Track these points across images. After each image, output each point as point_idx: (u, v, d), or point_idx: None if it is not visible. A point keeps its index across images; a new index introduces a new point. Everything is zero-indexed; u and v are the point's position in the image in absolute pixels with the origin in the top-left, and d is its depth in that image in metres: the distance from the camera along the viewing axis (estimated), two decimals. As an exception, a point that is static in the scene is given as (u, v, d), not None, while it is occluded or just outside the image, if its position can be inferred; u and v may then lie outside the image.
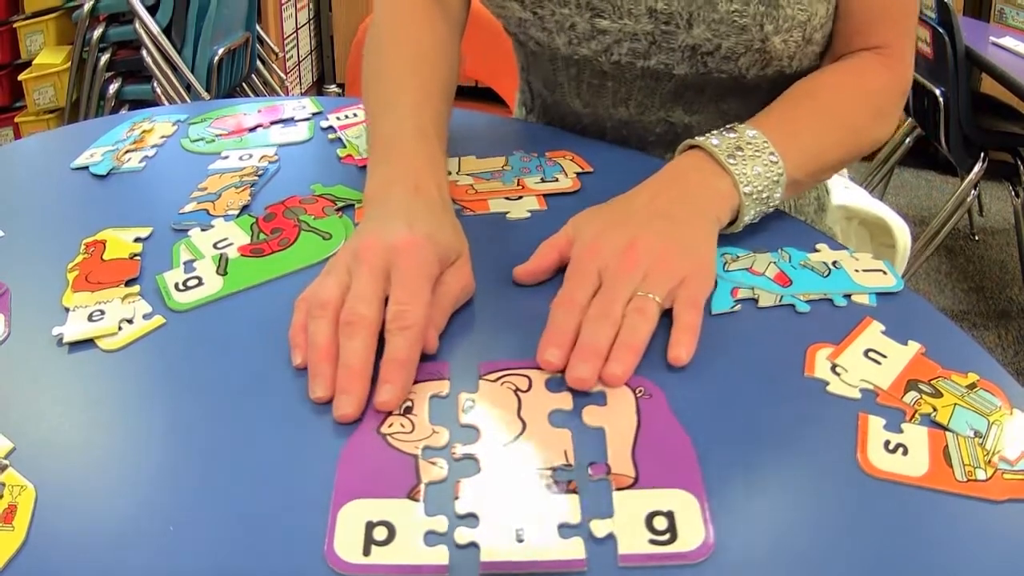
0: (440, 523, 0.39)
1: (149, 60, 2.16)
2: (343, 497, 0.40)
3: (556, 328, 0.50)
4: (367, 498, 0.40)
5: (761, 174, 0.59)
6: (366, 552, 0.38)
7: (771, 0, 0.65)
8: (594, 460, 0.42)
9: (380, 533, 0.38)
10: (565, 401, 0.46)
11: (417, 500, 0.40)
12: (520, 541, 0.38)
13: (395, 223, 0.53)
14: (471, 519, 0.39)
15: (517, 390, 0.47)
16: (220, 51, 2.26)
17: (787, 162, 0.60)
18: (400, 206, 0.55)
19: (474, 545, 0.38)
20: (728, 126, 0.62)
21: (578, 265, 0.54)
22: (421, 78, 0.67)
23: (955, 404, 0.46)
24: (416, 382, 0.47)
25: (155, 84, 2.19)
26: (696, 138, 0.61)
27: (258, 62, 2.60)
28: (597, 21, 0.70)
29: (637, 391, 0.47)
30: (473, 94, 2.04)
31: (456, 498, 0.40)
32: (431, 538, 0.38)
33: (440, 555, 0.38)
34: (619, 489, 0.41)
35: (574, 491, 0.41)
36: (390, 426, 0.44)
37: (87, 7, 2.14)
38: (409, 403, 0.46)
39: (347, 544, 0.38)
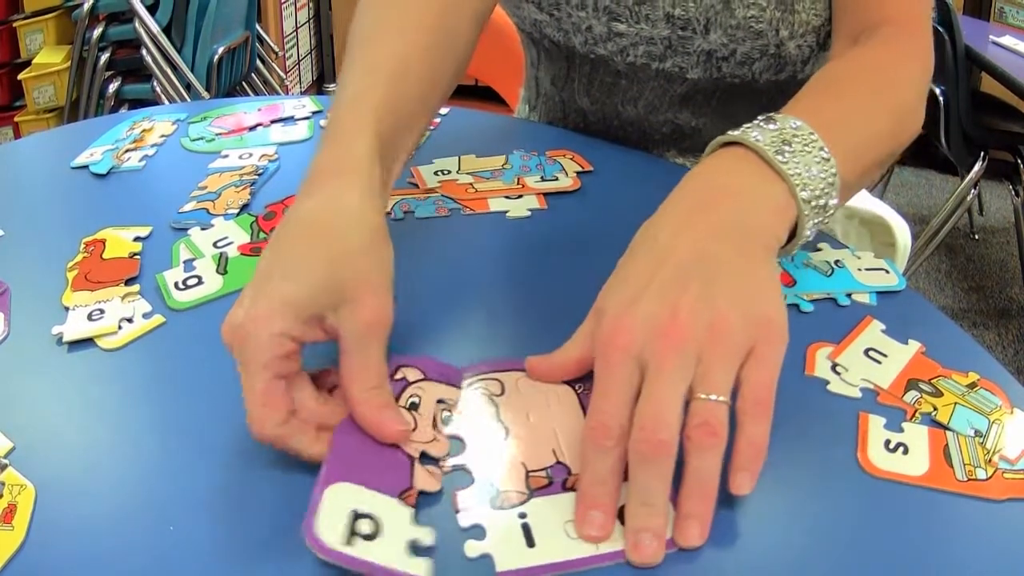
0: (427, 534, 0.38)
1: (149, 59, 2.16)
2: (334, 476, 0.39)
3: (591, 476, 0.39)
4: (358, 484, 0.39)
5: (816, 175, 0.47)
6: (348, 541, 0.36)
7: (786, 5, 0.65)
8: (550, 465, 0.42)
9: (366, 526, 0.37)
10: (541, 400, 0.45)
11: (409, 505, 0.39)
12: (531, 546, 0.38)
13: (253, 286, 0.42)
14: (477, 531, 0.39)
15: (492, 395, 0.46)
16: (220, 50, 2.26)
17: (837, 158, 0.48)
18: (284, 243, 0.44)
19: (487, 557, 0.37)
20: (764, 116, 0.49)
21: (604, 359, 0.40)
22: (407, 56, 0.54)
23: (955, 403, 0.46)
24: (427, 380, 0.47)
25: (155, 83, 2.19)
26: (730, 132, 0.49)
27: (258, 61, 2.60)
28: (614, 25, 0.70)
29: (577, 387, 0.46)
30: (473, 93, 2.03)
31: (457, 511, 0.40)
32: (416, 547, 0.37)
33: (420, 566, 0.36)
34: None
35: (572, 488, 0.40)
36: None
37: (87, 6, 2.14)
38: (416, 399, 0.45)
39: (329, 528, 0.36)
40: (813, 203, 0.47)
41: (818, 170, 0.47)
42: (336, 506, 0.38)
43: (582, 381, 0.46)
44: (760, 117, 0.50)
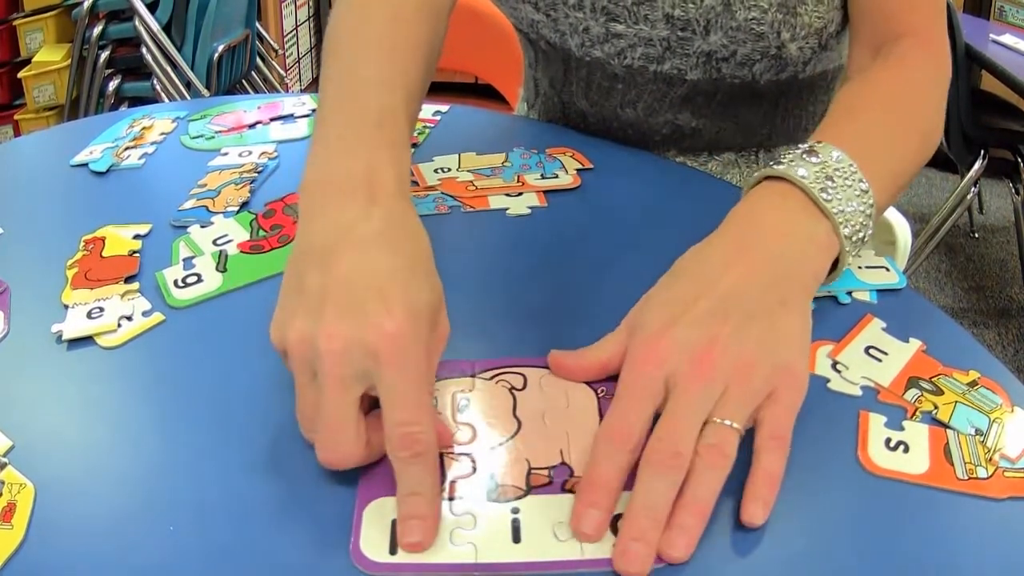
0: (467, 521, 0.39)
1: (149, 57, 2.16)
2: (368, 495, 0.40)
3: (598, 475, 0.39)
4: (392, 496, 0.40)
5: (856, 209, 0.48)
6: (392, 551, 0.37)
7: (789, 8, 0.65)
8: (554, 465, 0.42)
9: None
10: (561, 400, 0.46)
11: (448, 498, 0.40)
12: (516, 542, 0.38)
13: (364, 292, 0.40)
14: (467, 519, 0.39)
15: (512, 388, 0.46)
16: (220, 48, 2.26)
17: (874, 186, 0.49)
18: (362, 235, 0.42)
19: (471, 545, 0.38)
20: (807, 146, 0.50)
21: (636, 370, 0.41)
22: (398, 44, 0.55)
23: (956, 402, 0.46)
24: (441, 379, 0.47)
25: (155, 81, 2.19)
26: (774, 166, 0.49)
27: (258, 59, 2.60)
28: (612, 26, 0.69)
29: (599, 391, 0.46)
30: (473, 91, 2.04)
31: (451, 498, 0.40)
32: (458, 536, 0.38)
33: (465, 553, 0.37)
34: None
35: (571, 491, 0.40)
36: None
37: (87, 4, 2.14)
38: (433, 400, 0.45)
39: (372, 544, 0.38)
40: (854, 238, 0.49)
41: (857, 203, 0.48)
42: (375, 522, 0.39)
43: (605, 384, 0.46)
44: (801, 147, 0.50)
